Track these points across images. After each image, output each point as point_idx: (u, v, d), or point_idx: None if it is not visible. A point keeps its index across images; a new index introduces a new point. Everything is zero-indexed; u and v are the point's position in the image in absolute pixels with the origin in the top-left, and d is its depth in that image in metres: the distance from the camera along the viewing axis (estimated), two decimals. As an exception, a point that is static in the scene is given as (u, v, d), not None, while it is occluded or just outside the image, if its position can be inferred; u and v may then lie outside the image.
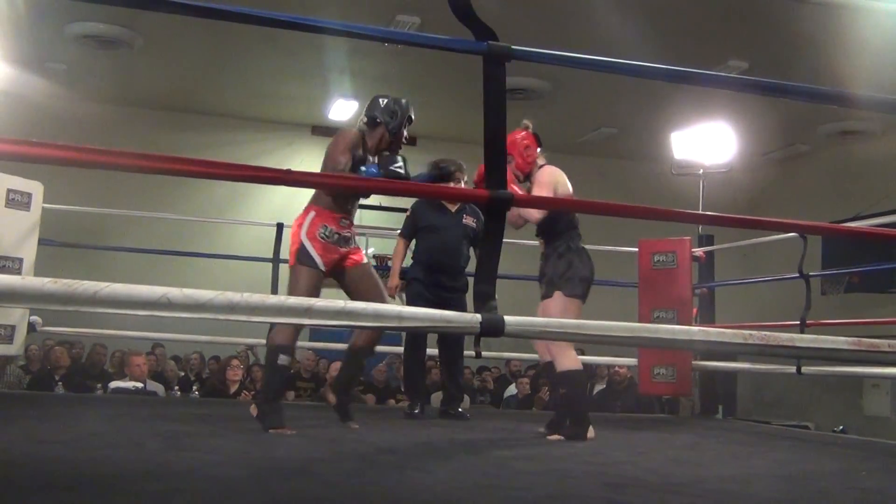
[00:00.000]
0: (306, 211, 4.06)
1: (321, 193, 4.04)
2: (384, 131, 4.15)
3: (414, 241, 5.38)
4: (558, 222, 4.24)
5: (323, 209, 4.02)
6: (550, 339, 1.99)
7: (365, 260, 4.21)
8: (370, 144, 4.14)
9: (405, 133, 4.22)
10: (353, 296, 4.07)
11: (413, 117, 4.25)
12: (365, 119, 4.20)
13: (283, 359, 3.95)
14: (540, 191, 4.19)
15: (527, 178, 4.32)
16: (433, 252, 5.22)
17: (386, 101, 4.19)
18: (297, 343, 4.10)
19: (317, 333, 8.98)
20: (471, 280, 5.11)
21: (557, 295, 4.15)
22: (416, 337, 5.30)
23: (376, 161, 4.05)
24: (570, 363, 4.09)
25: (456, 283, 5.21)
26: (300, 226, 4.01)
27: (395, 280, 5.32)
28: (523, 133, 4.35)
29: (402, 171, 3.97)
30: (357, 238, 4.31)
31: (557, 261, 4.21)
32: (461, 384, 5.42)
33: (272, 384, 4.03)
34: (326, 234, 3.98)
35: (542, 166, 4.34)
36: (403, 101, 4.21)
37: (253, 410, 4.00)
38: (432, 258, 5.22)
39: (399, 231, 5.49)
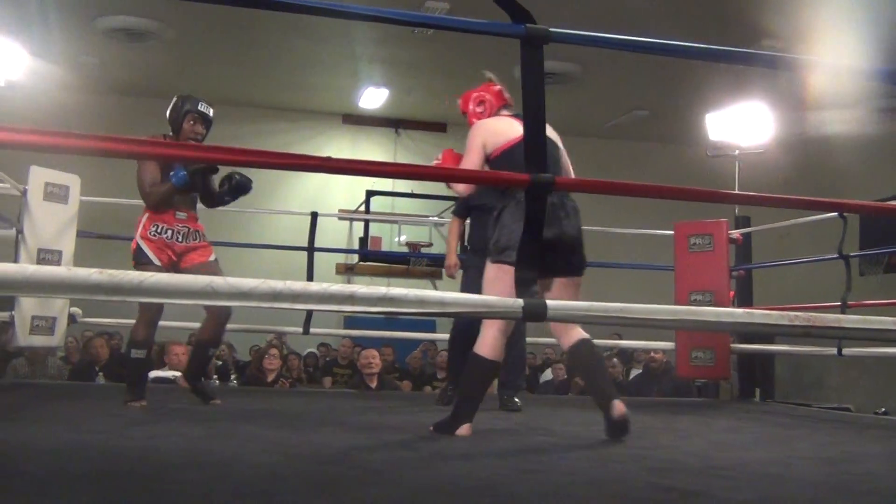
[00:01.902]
0: (142, 214, 4.26)
1: (144, 199, 4.26)
2: (172, 130, 4.31)
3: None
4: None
5: (156, 209, 4.22)
6: (593, 323, 1.93)
7: (209, 258, 4.32)
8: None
9: (196, 128, 4.28)
10: None
11: (206, 114, 4.32)
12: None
13: (134, 353, 4.25)
14: (465, 156, 3.59)
15: None
16: (483, 234, 4.64)
17: (175, 100, 4.36)
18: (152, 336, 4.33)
19: (352, 321, 9.03)
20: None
21: (487, 262, 3.46)
22: (466, 324, 4.81)
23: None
24: (486, 348, 3.40)
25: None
26: (137, 227, 4.23)
27: (452, 258, 5.04)
28: (483, 86, 3.81)
29: (200, 165, 4.15)
30: (201, 233, 4.36)
31: (493, 224, 3.48)
32: (521, 371, 5.10)
33: (128, 375, 4.38)
34: (157, 231, 4.18)
35: (492, 118, 3.71)
36: (193, 97, 4.34)
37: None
38: (487, 243, 4.81)
39: (453, 210, 5.34)
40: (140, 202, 7.01)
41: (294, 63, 9.60)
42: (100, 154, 1.90)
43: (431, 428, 3.47)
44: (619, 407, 3.32)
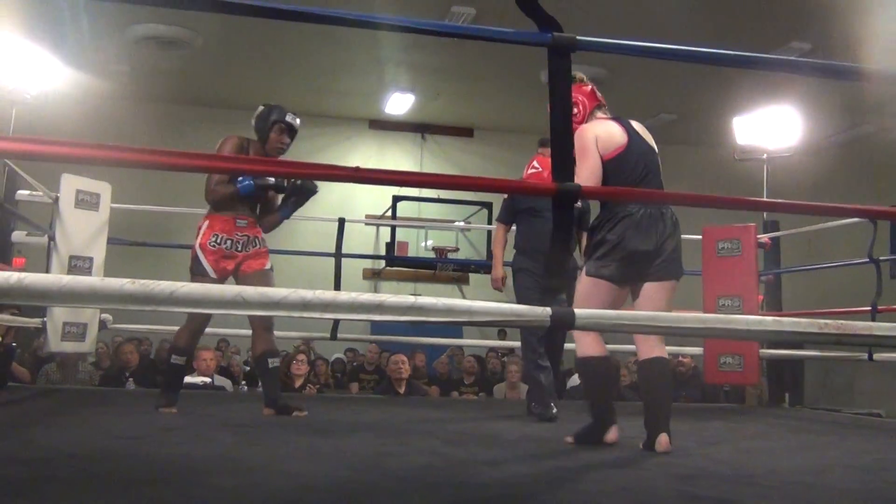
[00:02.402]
0: (203, 220, 4.30)
1: (207, 197, 4.29)
2: (258, 138, 4.30)
3: (514, 228, 4.91)
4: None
5: (215, 216, 4.26)
6: (622, 332, 1.93)
7: (265, 266, 4.34)
8: (253, 150, 4.26)
9: (283, 138, 4.27)
10: None
11: (293, 124, 4.32)
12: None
13: (175, 358, 4.29)
14: (581, 161, 3.43)
15: None
16: (538, 237, 4.60)
17: (261, 108, 4.34)
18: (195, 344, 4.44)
19: (379, 327, 9.05)
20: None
21: (582, 273, 3.50)
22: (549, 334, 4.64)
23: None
24: (587, 348, 3.47)
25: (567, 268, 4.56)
26: (197, 234, 4.28)
27: (499, 270, 4.83)
28: (574, 87, 3.53)
29: (270, 181, 4.17)
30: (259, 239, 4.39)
31: (590, 233, 3.50)
32: (557, 380, 4.98)
33: (166, 378, 4.43)
34: (217, 241, 4.22)
35: (595, 120, 3.64)
36: (280, 106, 4.31)
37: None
38: (537, 244, 4.63)
39: (497, 217, 5.03)
40: (173, 209, 7.12)
41: (321, 69, 9.65)
42: (126, 165, 1.92)
43: (570, 439, 3.50)
44: (663, 442, 3.29)
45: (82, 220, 5.20)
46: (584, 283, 3.47)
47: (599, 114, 3.68)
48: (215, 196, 4.22)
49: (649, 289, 3.43)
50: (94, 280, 1.80)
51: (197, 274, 4.19)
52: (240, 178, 4.14)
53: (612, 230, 3.37)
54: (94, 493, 2.08)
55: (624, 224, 3.36)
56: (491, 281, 4.86)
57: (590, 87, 3.71)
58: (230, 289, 1.79)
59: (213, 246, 4.21)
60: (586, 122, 3.61)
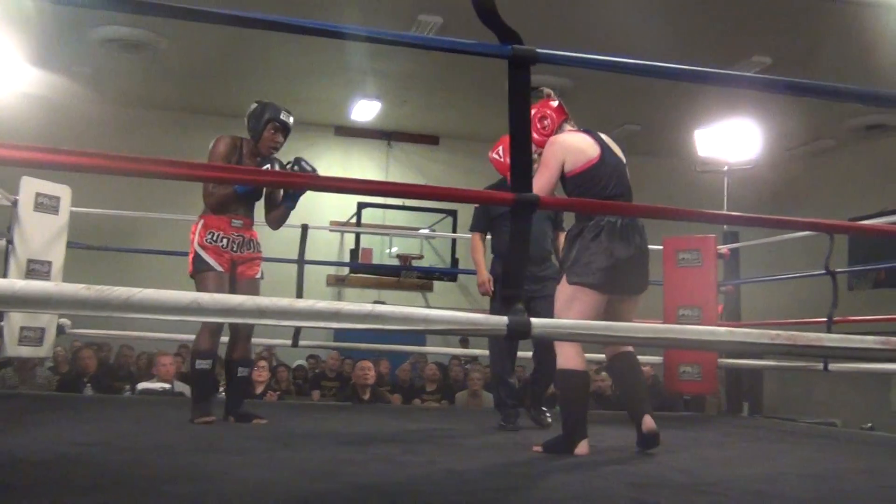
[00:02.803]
0: (197, 221, 4.26)
1: (204, 199, 4.24)
2: (251, 134, 4.28)
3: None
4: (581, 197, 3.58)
5: (209, 215, 4.22)
6: (578, 341, 1.97)
7: (257, 275, 4.32)
8: (246, 149, 4.26)
9: (276, 137, 4.29)
10: None
11: (287, 123, 4.30)
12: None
13: (199, 363, 4.15)
14: (541, 171, 3.57)
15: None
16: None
17: (254, 105, 4.31)
18: (217, 347, 4.27)
19: (341, 334, 9.05)
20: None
21: (563, 281, 3.58)
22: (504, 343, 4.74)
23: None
24: (568, 360, 3.51)
25: (545, 271, 4.69)
26: (193, 236, 4.22)
27: (484, 274, 4.77)
28: (541, 103, 3.79)
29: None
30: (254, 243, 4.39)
31: (570, 242, 3.60)
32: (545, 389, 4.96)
33: (193, 388, 4.31)
34: (213, 238, 4.18)
35: (567, 132, 3.75)
36: (274, 104, 4.29)
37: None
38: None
39: (470, 226, 5.03)
40: (134, 213, 7.06)
41: (287, 74, 9.62)
42: (88, 171, 1.91)
43: (539, 448, 3.51)
44: (648, 422, 3.52)
45: (41, 223, 5.14)
46: (567, 291, 3.54)
47: (568, 127, 3.78)
48: (214, 199, 4.18)
49: (627, 301, 3.62)
50: (49, 285, 1.79)
51: (202, 271, 4.11)
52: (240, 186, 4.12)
53: (597, 238, 3.47)
54: (47, 500, 2.06)
55: (607, 232, 3.47)
56: (478, 286, 4.84)
57: (557, 102, 3.81)
58: (186, 295, 1.79)
59: (211, 243, 4.17)
60: (556, 133, 3.71)
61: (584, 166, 3.58)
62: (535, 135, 3.68)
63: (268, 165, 4.23)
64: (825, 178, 11.40)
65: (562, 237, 4.71)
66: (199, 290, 4.06)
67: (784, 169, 11.32)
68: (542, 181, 3.53)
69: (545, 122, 3.74)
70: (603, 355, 3.86)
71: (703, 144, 8.40)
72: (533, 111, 3.63)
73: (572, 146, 3.62)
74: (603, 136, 3.75)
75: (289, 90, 10.20)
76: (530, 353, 5.06)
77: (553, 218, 4.82)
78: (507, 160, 3.70)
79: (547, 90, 3.87)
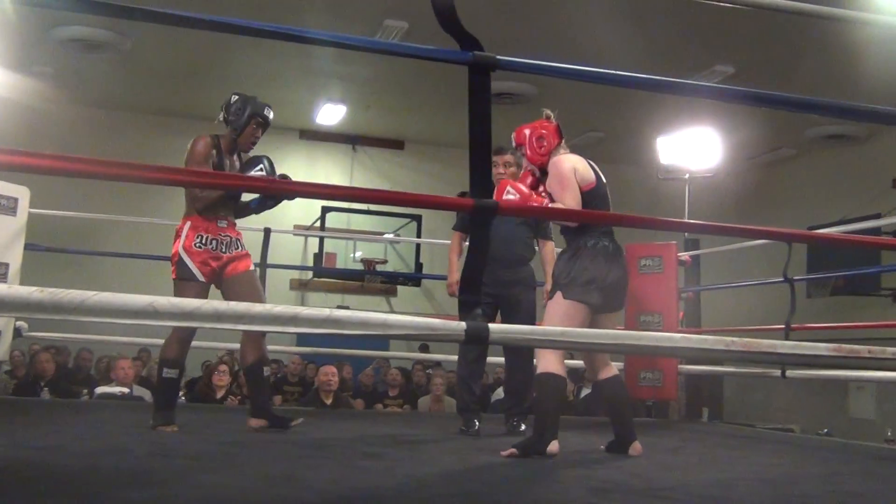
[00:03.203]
0: (183, 222, 4.09)
1: (192, 202, 4.09)
2: (231, 131, 4.15)
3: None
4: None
5: (197, 218, 4.06)
6: (534, 346, 2.00)
7: (250, 268, 4.21)
8: (223, 145, 4.15)
9: (257, 133, 4.21)
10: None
11: (269, 117, 4.22)
12: (220, 119, 4.21)
13: (166, 372, 4.03)
14: (553, 185, 3.73)
15: (542, 171, 3.84)
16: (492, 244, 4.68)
17: (235, 98, 4.18)
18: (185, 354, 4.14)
19: (304, 339, 9.00)
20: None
21: (557, 296, 3.70)
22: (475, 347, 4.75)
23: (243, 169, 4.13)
24: (549, 365, 3.65)
25: (516, 276, 4.70)
26: (178, 238, 4.06)
27: (454, 275, 4.70)
28: (539, 122, 3.91)
29: (262, 174, 4.04)
30: (241, 241, 4.26)
31: (567, 261, 3.73)
32: (526, 396, 4.91)
33: (157, 396, 4.16)
34: (202, 242, 4.03)
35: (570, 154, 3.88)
36: (255, 98, 4.19)
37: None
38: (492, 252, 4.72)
39: (454, 225, 5.04)
40: (94, 215, 6.99)
41: (252, 77, 9.56)
42: (45, 173, 1.89)
43: (512, 451, 3.55)
44: (638, 448, 3.78)
45: (-2, 224, 5.07)
46: (563, 306, 3.67)
47: (562, 150, 3.89)
48: (203, 203, 4.03)
49: (611, 316, 3.77)
50: (1, 287, 1.76)
51: (183, 279, 3.98)
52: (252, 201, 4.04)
53: (594, 260, 3.66)
54: (-2, 506, 2.04)
55: (602, 254, 3.68)
56: (447, 286, 4.83)
57: (555, 124, 3.92)
58: (142, 299, 1.78)
59: (199, 247, 4.02)
60: (552, 155, 3.83)
61: (586, 188, 3.74)
62: (528, 151, 3.84)
63: (260, 166, 4.10)
64: (786, 187, 11.56)
65: (548, 246, 4.83)
66: (177, 296, 3.92)
67: (745, 178, 11.46)
68: (570, 199, 3.66)
69: (542, 142, 3.84)
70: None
71: (666, 152, 8.49)
72: (528, 130, 3.85)
73: (580, 165, 3.78)
74: (591, 162, 3.90)
75: (254, 93, 10.09)
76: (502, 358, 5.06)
77: (536, 226, 4.82)
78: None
79: (547, 111, 3.97)
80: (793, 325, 5.21)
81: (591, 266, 3.65)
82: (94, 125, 10.28)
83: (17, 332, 5.39)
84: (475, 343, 1.98)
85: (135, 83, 9.91)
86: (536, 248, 4.88)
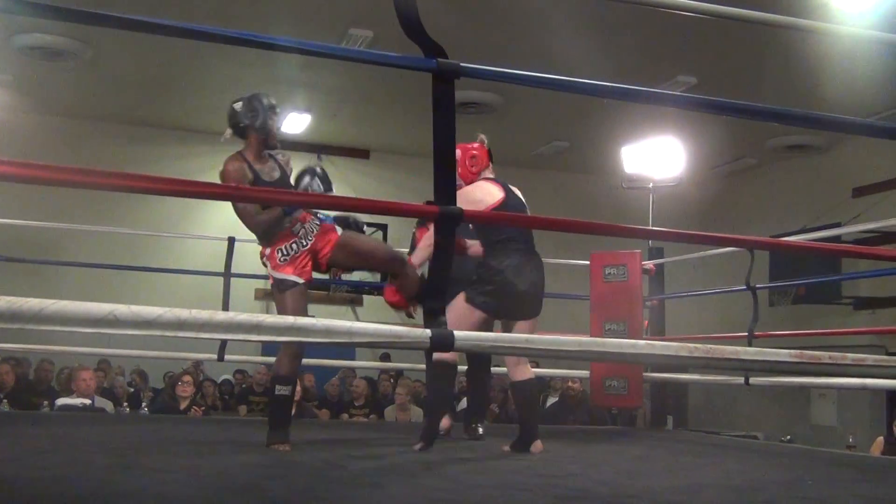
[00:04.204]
0: (262, 251, 3.98)
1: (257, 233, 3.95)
2: (254, 135, 3.92)
3: None
4: (489, 235, 4.11)
5: (270, 241, 3.92)
6: (499, 354, 2.02)
7: (339, 232, 4.04)
8: (250, 157, 3.91)
9: (278, 125, 4.02)
10: (358, 267, 4.41)
11: (275, 105, 3.99)
12: (230, 133, 3.98)
13: (279, 389, 3.89)
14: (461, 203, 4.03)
15: None
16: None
17: (240, 102, 3.95)
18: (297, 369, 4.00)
19: (269, 348, 8.94)
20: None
21: (460, 296, 4.03)
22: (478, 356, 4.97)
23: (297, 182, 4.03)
24: (525, 374, 4.15)
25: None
26: (266, 260, 3.94)
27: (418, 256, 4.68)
28: (475, 145, 4.29)
29: (323, 188, 4.00)
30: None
31: (479, 265, 4.13)
32: (487, 399, 5.17)
33: (273, 414, 3.97)
34: (285, 254, 3.90)
35: (481, 181, 4.23)
36: (258, 93, 3.98)
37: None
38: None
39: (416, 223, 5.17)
40: (54, 224, 6.88)
41: (216, 86, 9.49)
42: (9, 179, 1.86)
43: (507, 448, 4.14)
44: (539, 446, 4.11)
45: (-44, 234, 4.99)
46: (460, 307, 4.00)
47: (487, 173, 4.29)
48: (263, 227, 3.87)
49: (521, 324, 4.10)
50: (-44, 296, 1.73)
51: (287, 290, 3.87)
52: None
53: (500, 273, 4.02)
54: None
55: (509, 271, 4.01)
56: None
57: (487, 149, 4.33)
58: (102, 307, 1.75)
59: (286, 258, 3.88)
60: (480, 175, 4.25)
61: (494, 205, 4.08)
62: (461, 168, 4.19)
63: (307, 178, 4.01)
64: (748, 196, 11.69)
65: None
66: (281, 304, 3.90)
67: (708, 187, 11.57)
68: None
69: (475, 161, 4.25)
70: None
71: (630, 161, 8.55)
72: (461, 151, 4.19)
73: (483, 195, 4.12)
74: (512, 186, 4.27)
75: (218, 102, 9.99)
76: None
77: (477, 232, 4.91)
78: None
79: (482, 136, 4.37)
80: (756, 333, 5.26)
81: (497, 275, 4.00)
82: (56, 134, 10.15)
83: (-24, 344, 5.31)
84: (440, 350, 1.98)
85: (97, 92, 9.80)
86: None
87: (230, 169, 3.83)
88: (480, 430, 4.82)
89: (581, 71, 2.81)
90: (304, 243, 3.95)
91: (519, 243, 4.08)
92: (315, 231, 3.99)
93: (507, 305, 4.06)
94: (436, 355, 4.09)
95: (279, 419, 3.91)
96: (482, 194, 4.11)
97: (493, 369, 5.30)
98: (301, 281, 3.91)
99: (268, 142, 3.94)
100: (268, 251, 3.94)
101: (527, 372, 4.19)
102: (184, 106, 10.22)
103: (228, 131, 3.98)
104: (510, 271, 4.02)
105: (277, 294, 3.92)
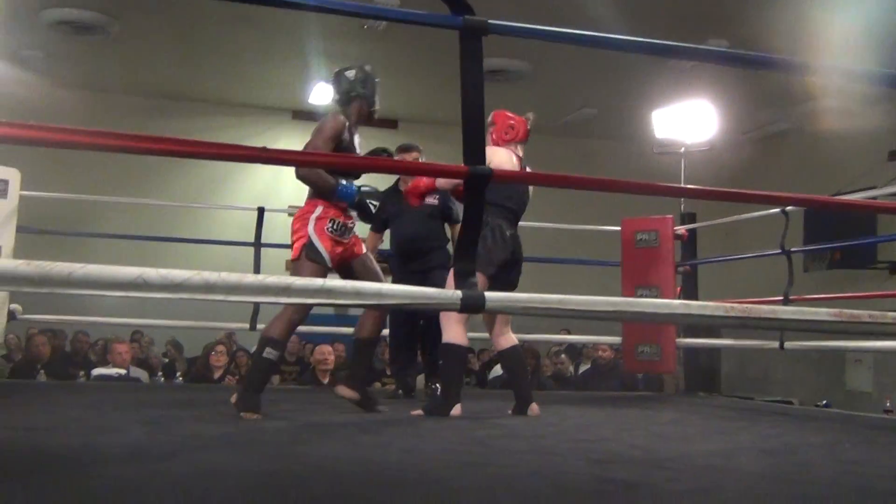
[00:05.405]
0: (312, 204, 3.88)
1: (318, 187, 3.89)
2: (361, 104, 4.01)
3: None
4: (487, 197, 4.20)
5: (328, 202, 3.87)
6: (531, 315, 1.99)
7: (364, 250, 4.08)
8: (352, 122, 3.97)
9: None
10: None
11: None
12: (337, 97, 4.03)
13: (269, 352, 3.78)
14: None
15: None
16: (398, 240, 5.38)
17: (353, 71, 4.01)
18: (289, 338, 3.96)
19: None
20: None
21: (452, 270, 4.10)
22: (401, 316, 5.36)
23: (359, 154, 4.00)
24: (454, 336, 4.09)
25: (427, 265, 5.16)
26: (306, 220, 3.85)
27: None
28: (517, 116, 4.31)
29: (372, 204, 4.00)
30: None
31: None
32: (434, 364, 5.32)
33: (253, 375, 3.88)
34: (335, 228, 3.85)
35: (502, 148, 4.26)
36: (367, 67, 4.07)
37: (233, 399, 3.85)
38: (399, 247, 5.39)
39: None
40: (87, 197, 6.93)
41: (243, 58, 9.50)
42: (36, 144, 1.86)
43: (420, 412, 4.03)
44: (535, 408, 4.20)
45: (-11, 207, 5.03)
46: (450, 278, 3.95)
47: (516, 148, 4.30)
48: (312, 178, 3.82)
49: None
50: (-13, 261, 1.73)
51: (311, 260, 3.78)
52: (343, 184, 3.84)
53: (493, 238, 4.12)
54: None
55: (500, 234, 4.15)
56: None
57: (529, 126, 4.33)
58: (130, 270, 1.74)
59: (331, 232, 3.83)
60: (505, 145, 4.26)
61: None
62: (496, 134, 4.26)
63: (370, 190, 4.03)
64: (781, 161, 11.52)
65: (457, 229, 4.98)
66: (299, 270, 3.81)
67: (741, 152, 11.41)
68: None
69: (511, 131, 4.27)
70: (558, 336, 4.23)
71: (661, 125, 8.44)
72: (505, 116, 4.29)
73: (505, 158, 4.17)
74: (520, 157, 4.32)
75: (245, 73, 10.08)
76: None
77: (438, 215, 5.26)
78: None
79: (530, 114, 4.36)
80: (791, 297, 5.20)
81: (490, 242, 4.08)
82: (84, 109, 10.18)
83: (11, 315, 5.36)
84: (471, 311, 1.96)
85: (125, 66, 9.83)
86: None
87: (332, 124, 3.87)
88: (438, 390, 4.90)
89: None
90: (345, 236, 3.94)
91: (513, 213, 4.25)
92: (351, 235, 4.00)
93: (500, 273, 4.13)
94: (445, 338, 4.11)
95: (257, 382, 3.80)
96: (498, 160, 4.05)
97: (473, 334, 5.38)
98: (329, 261, 3.85)
99: (370, 114, 4.05)
100: (319, 209, 3.85)
101: (511, 339, 4.29)
102: (211, 79, 10.22)
103: (336, 95, 4.05)
104: (500, 235, 4.15)
105: (304, 257, 3.81)
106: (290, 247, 3.95)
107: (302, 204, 3.98)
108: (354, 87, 3.98)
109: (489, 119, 4.26)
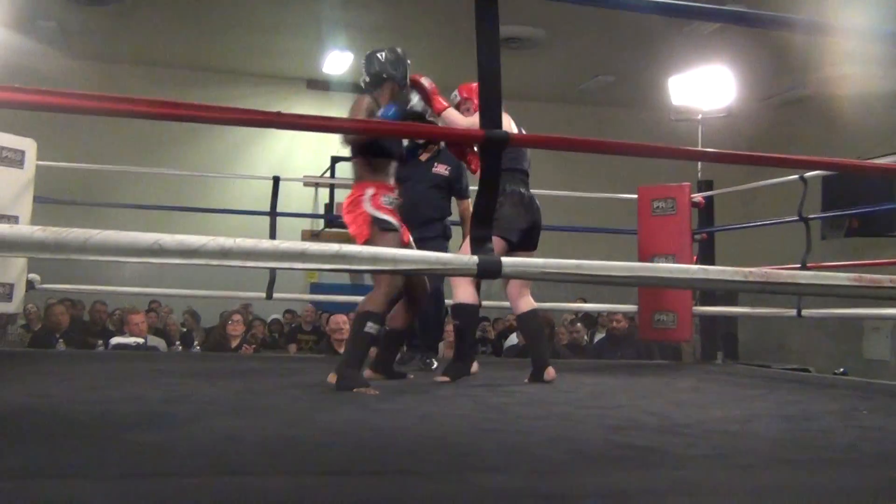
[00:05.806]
0: (360, 187, 3.87)
1: (369, 169, 3.88)
2: (393, 85, 4.02)
3: None
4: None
5: (379, 183, 3.87)
6: (548, 280, 1.97)
7: (410, 239, 4.02)
8: (383, 103, 3.95)
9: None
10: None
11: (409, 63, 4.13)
12: (367, 78, 4.04)
13: (370, 326, 3.68)
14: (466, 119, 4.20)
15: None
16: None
17: (385, 53, 4.05)
18: (389, 311, 3.86)
19: (317, 287, 9.01)
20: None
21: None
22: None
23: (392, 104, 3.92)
24: (464, 296, 4.19)
25: (423, 234, 4.85)
26: (359, 202, 3.83)
27: None
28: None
29: (418, 109, 4.02)
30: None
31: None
32: (437, 331, 5.32)
33: (354, 351, 3.76)
34: (390, 200, 3.87)
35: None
36: (398, 49, 4.11)
37: (331, 378, 3.75)
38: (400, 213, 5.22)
39: None
40: (103, 166, 6.93)
41: (257, 27, 9.46)
42: (51, 110, 1.85)
43: (445, 377, 4.09)
44: (551, 372, 4.19)
45: (6, 177, 5.02)
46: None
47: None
48: (359, 141, 3.83)
49: (523, 254, 4.13)
50: (3, 227, 1.73)
51: (384, 230, 3.74)
52: (381, 111, 3.83)
53: (511, 203, 4.12)
54: (7, 450, 2.03)
55: (519, 199, 4.17)
56: None
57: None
58: (146, 236, 1.74)
59: (388, 204, 3.84)
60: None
61: None
62: (475, 107, 4.21)
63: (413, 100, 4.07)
64: (800, 128, 11.40)
65: (464, 204, 5.10)
66: (381, 244, 3.66)
67: (759, 118, 11.30)
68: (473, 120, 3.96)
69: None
70: (574, 304, 4.21)
71: (678, 92, 8.36)
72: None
73: (507, 119, 4.10)
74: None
75: (259, 43, 10.05)
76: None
77: (450, 187, 5.07)
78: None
79: None
80: (808, 264, 5.16)
81: (509, 207, 4.08)
82: (98, 79, 10.18)
83: (30, 285, 5.39)
84: (488, 277, 1.95)
85: (138, 35, 9.83)
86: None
87: (363, 104, 3.90)
88: (434, 364, 4.95)
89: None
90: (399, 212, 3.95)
91: (526, 175, 4.29)
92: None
93: (521, 237, 4.17)
94: (456, 298, 4.20)
95: (359, 358, 3.73)
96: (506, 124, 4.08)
97: (489, 303, 5.39)
98: (399, 228, 3.83)
99: (401, 94, 4.03)
100: (371, 190, 3.83)
101: (530, 303, 4.28)
102: (225, 48, 10.20)
103: (365, 76, 4.07)
104: (517, 199, 4.17)
105: (378, 233, 3.75)
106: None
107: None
108: (385, 69, 4.02)
109: (458, 95, 4.39)
